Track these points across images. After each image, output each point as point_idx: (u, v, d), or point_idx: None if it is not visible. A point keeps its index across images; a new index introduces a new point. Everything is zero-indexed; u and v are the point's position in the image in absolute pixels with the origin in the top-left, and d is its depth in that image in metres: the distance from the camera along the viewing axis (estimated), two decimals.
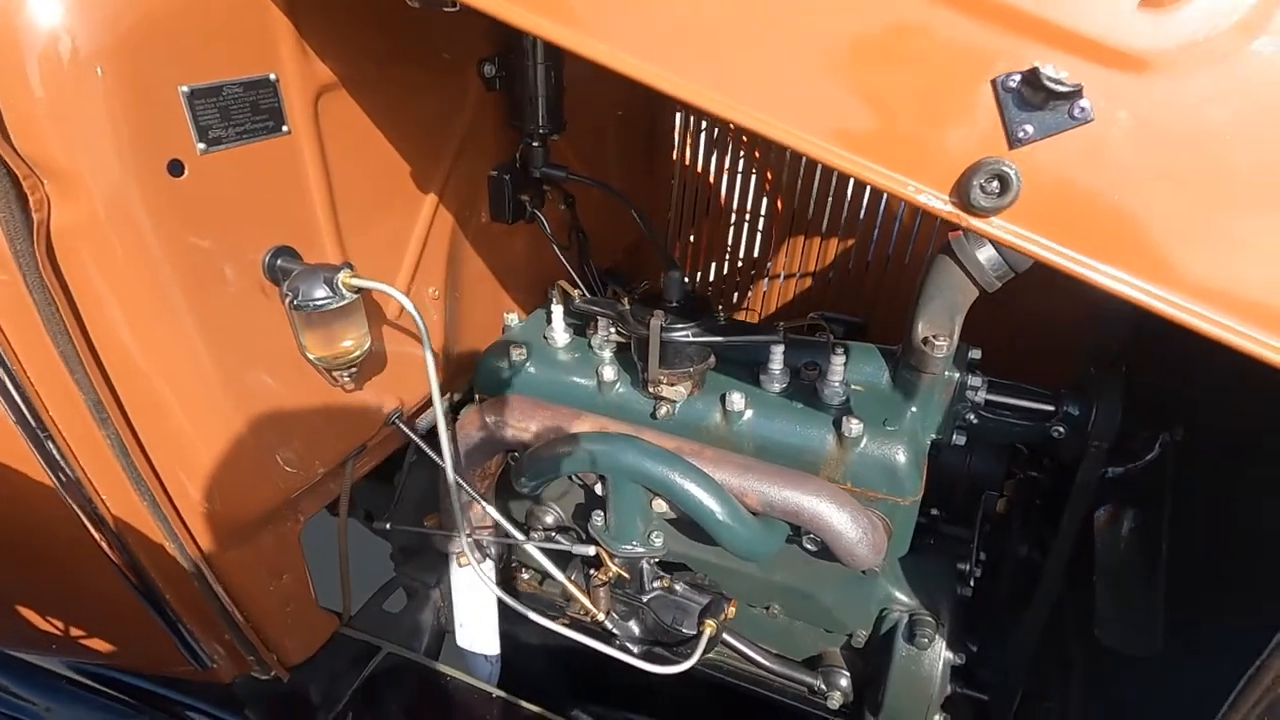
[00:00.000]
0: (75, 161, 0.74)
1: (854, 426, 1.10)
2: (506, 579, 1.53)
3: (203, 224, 0.85)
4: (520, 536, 1.21)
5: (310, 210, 0.98)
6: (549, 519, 1.38)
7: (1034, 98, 0.52)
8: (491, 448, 1.28)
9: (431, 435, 1.34)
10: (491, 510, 1.20)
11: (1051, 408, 1.18)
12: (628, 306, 1.20)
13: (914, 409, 1.16)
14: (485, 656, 1.49)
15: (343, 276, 0.91)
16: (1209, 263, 0.55)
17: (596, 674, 1.57)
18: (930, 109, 0.55)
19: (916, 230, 1.74)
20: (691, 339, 1.12)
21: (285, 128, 0.92)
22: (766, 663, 1.36)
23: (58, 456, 0.90)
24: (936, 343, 1.11)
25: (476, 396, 1.38)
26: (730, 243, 2.07)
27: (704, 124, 1.96)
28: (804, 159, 1.81)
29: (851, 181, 1.79)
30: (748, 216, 2.00)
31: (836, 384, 1.17)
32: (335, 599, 1.41)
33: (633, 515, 1.15)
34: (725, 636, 1.34)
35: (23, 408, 0.86)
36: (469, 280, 1.41)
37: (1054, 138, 0.53)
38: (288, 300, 0.91)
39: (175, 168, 0.80)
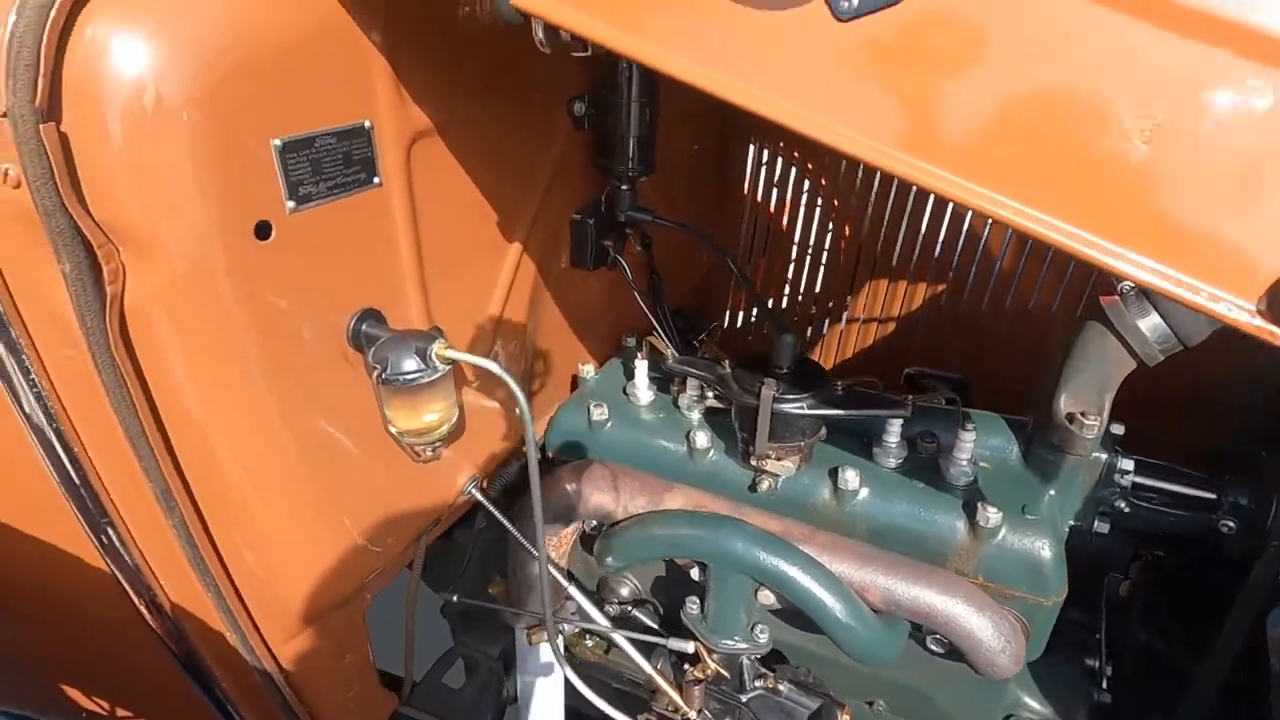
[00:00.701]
0: (155, 225, 0.64)
1: (991, 516, 0.97)
2: (569, 643, 1.42)
3: (285, 290, 0.76)
4: (606, 623, 1.09)
5: (397, 268, 0.89)
6: (624, 590, 1.27)
7: None
8: (570, 517, 1.17)
9: (501, 498, 1.24)
10: (579, 596, 1.08)
11: (1214, 495, 1.04)
12: (729, 369, 1.08)
13: (1053, 494, 1.03)
14: None
15: (436, 349, 0.80)
16: None
17: None
18: (1237, 194, 0.44)
19: (1019, 276, 1.61)
20: (807, 411, 1.01)
21: (377, 179, 0.82)
22: None
23: (116, 544, 0.81)
24: (1086, 421, 0.98)
25: (550, 457, 1.28)
26: (805, 282, 1.95)
27: (777, 158, 1.85)
28: (886, 194, 1.69)
29: (944, 224, 1.66)
30: (825, 255, 1.88)
31: (964, 462, 1.04)
32: (390, 658, 1.30)
33: (736, 608, 1.03)
34: None
35: (82, 492, 0.77)
36: (544, 330, 1.31)
37: None
38: (375, 373, 0.81)
39: (262, 230, 0.71)
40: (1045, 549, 0.97)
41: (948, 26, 0.51)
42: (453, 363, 0.83)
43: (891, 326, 1.82)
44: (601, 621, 1.09)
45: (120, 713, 1.11)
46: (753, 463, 1.07)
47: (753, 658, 1.08)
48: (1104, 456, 1.05)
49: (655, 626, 1.19)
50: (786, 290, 1.97)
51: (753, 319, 2.03)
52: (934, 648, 1.02)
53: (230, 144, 0.66)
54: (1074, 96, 0.53)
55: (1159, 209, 0.50)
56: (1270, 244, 0.44)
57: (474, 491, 1.10)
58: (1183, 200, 0.50)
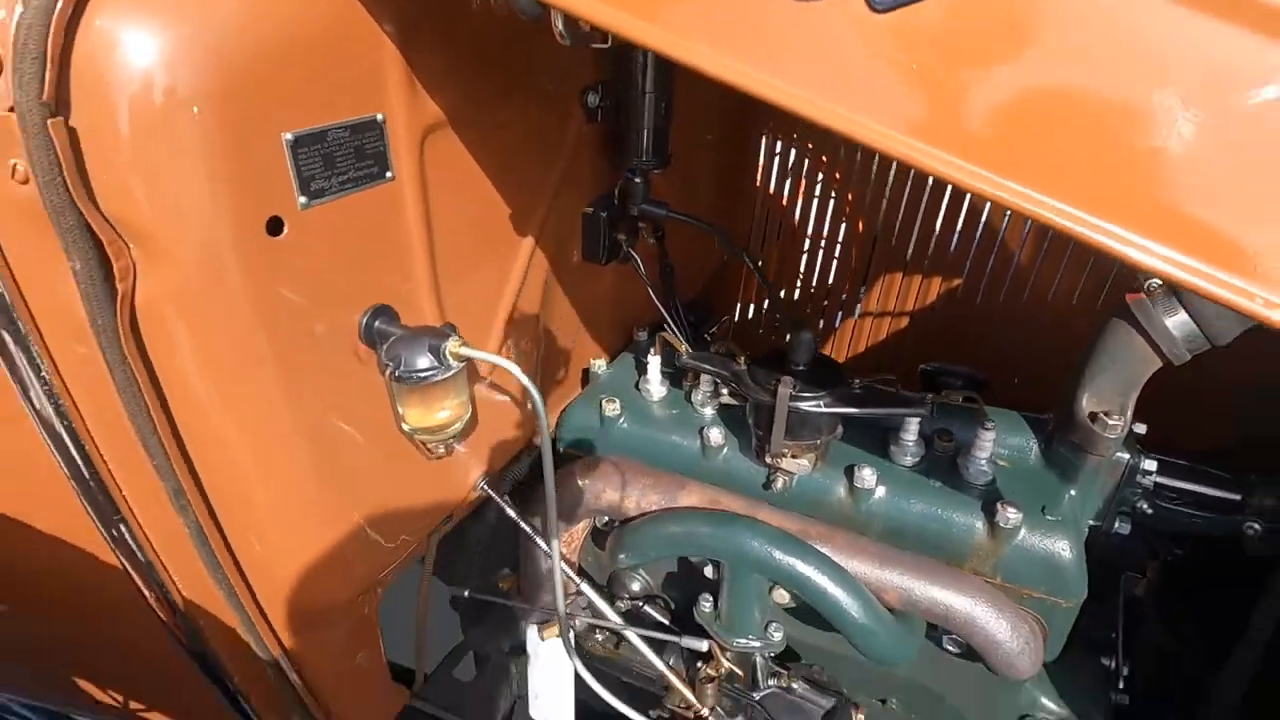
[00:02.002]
0: (165, 221, 0.63)
1: (1011, 516, 0.95)
2: (580, 638, 1.41)
3: (298, 287, 0.75)
4: (618, 620, 1.08)
5: (410, 264, 0.87)
6: (635, 586, 1.26)
7: None
8: (583, 514, 1.16)
9: (513, 493, 1.23)
10: (591, 593, 1.08)
11: (1238, 496, 1.02)
12: (744, 366, 1.07)
13: (1074, 493, 1.01)
14: None
15: (450, 346, 0.79)
16: None
17: None
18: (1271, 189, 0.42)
19: (1037, 270, 1.58)
20: (824, 410, 0.99)
21: (389, 173, 0.81)
22: None
23: (128, 539, 0.81)
24: (1109, 421, 0.96)
25: (561, 452, 1.27)
26: (818, 276, 1.93)
27: (790, 150, 1.82)
28: (902, 188, 1.66)
29: (961, 217, 1.63)
30: (838, 249, 1.85)
31: (983, 461, 1.02)
32: (400, 649, 1.30)
33: (750, 606, 1.02)
34: None
35: (93, 487, 0.76)
36: (555, 324, 1.30)
37: None
38: (388, 370, 0.80)
39: (274, 226, 0.70)
40: (1066, 550, 0.96)
41: (984, 18, 0.49)
42: (466, 360, 0.81)
43: (906, 320, 1.80)
44: (614, 618, 1.08)
45: (134, 705, 1.11)
46: (768, 460, 1.06)
47: (766, 656, 1.07)
48: (1126, 456, 1.03)
49: (666, 623, 1.18)
50: (799, 283, 1.95)
51: (764, 312, 2.02)
52: (950, 648, 1.01)
53: (241, 138, 0.65)
54: (1111, 89, 0.51)
55: (1189, 203, 0.48)
56: None
57: (486, 488, 1.09)
58: (1215, 194, 0.49)
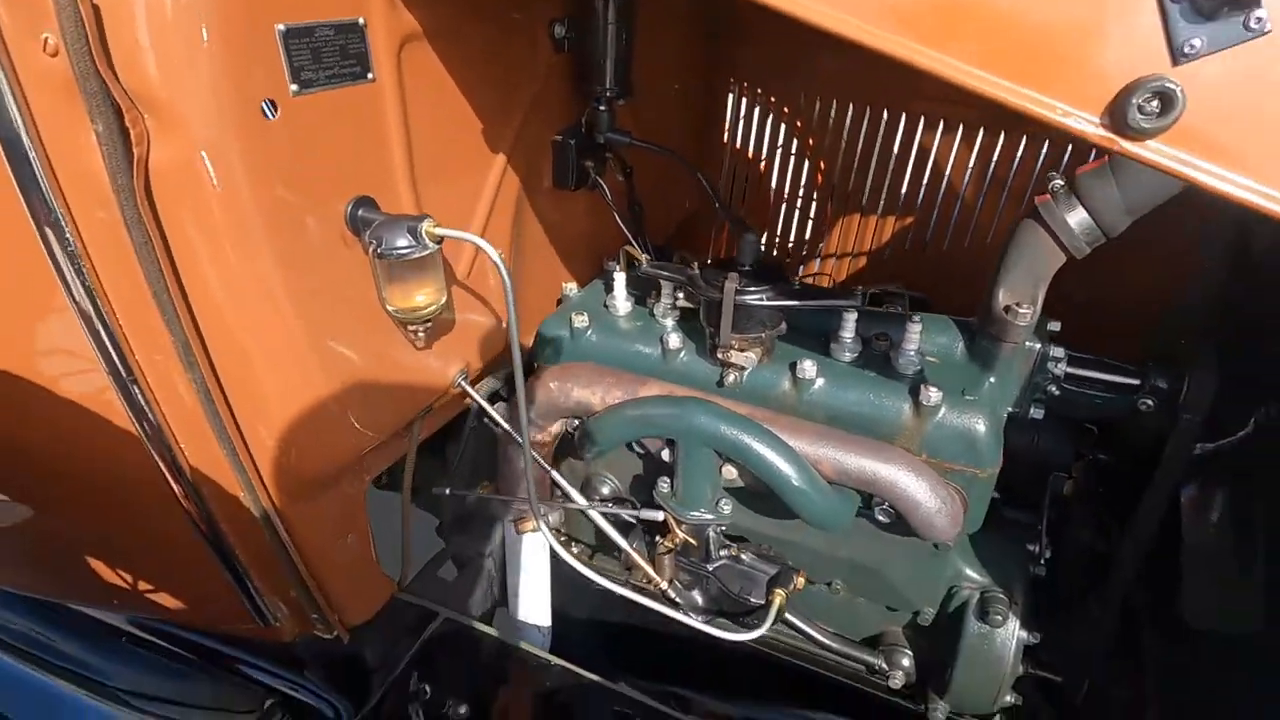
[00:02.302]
0: (174, 94, 0.73)
1: (932, 395, 1.07)
2: (556, 555, 1.52)
3: (290, 170, 0.85)
4: (584, 502, 1.19)
5: (390, 161, 0.98)
6: (605, 489, 1.37)
7: (1205, 7, 0.49)
8: (554, 414, 1.27)
9: (490, 401, 1.33)
10: (556, 475, 1.18)
11: (1137, 381, 1.14)
12: (698, 271, 1.18)
13: (992, 379, 1.13)
14: (538, 627, 1.48)
15: (426, 226, 0.90)
16: None
17: (646, 649, 1.55)
18: (1083, 22, 0.52)
19: (980, 208, 1.70)
20: (766, 303, 1.10)
21: (370, 74, 0.91)
22: (826, 640, 1.33)
23: (142, 402, 0.91)
24: (1019, 310, 1.07)
25: (535, 366, 1.37)
26: (782, 224, 2.04)
27: (755, 104, 1.93)
28: (856, 136, 1.77)
29: (911, 159, 1.75)
30: (800, 196, 1.96)
31: (911, 352, 1.14)
32: (390, 568, 1.41)
33: (702, 481, 1.13)
34: (794, 620, 1.32)
35: (110, 349, 0.86)
36: (529, 247, 1.40)
37: (1224, 52, 0.50)
38: (371, 249, 0.90)
39: (269, 107, 0.80)
40: (981, 425, 1.07)
41: None
42: (441, 240, 0.92)
43: (864, 261, 1.92)
44: (580, 500, 1.19)
45: (142, 586, 1.21)
46: (719, 356, 1.17)
47: (718, 530, 1.18)
48: (1038, 346, 1.15)
49: (632, 516, 1.29)
50: (766, 234, 2.06)
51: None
52: (881, 518, 1.13)
53: (240, 23, 0.74)
54: None
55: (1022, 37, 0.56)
56: (1115, 64, 0.53)
57: (464, 384, 1.19)
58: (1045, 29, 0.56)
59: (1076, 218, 1.03)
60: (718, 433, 1.06)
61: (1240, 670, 0.97)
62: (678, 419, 1.09)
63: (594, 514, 1.19)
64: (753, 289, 1.10)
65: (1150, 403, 1.10)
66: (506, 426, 1.16)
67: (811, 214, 1.98)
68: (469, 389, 1.19)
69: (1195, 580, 1.06)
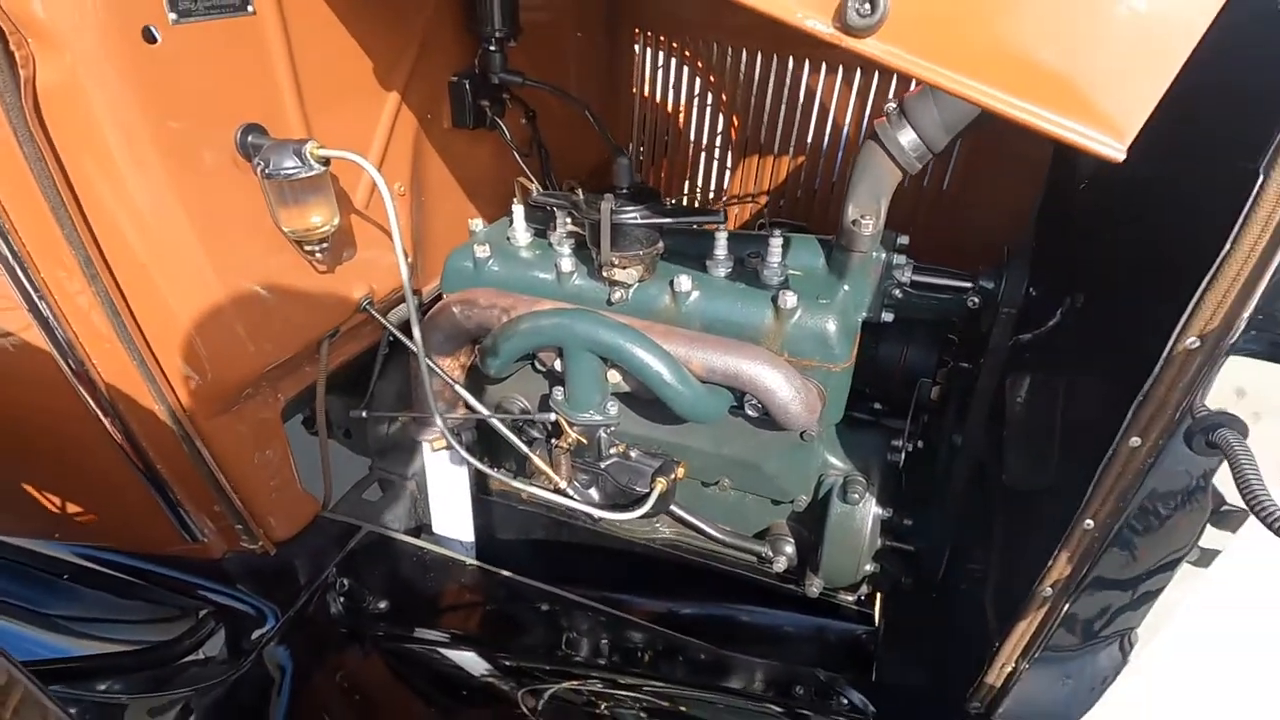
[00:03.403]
0: (54, 17, 0.80)
1: (789, 300, 1.20)
2: (477, 479, 1.64)
3: (176, 96, 0.92)
4: (485, 411, 1.31)
5: (277, 91, 1.05)
6: (516, 409, 1.48)
7: None
8: (459, 336, 1.37)
9: (403, 329, 1.43)
10: (458, 387, 1.29)
11: (969, 284, 1.30)
12: (581, 197, 1.29)
13: (846, 287, 1.27)
14: (461, 542, 1.60)
15: (310, 147, 0.98)
16: (1067, 70, 0.65)
17: (566, 559, 1.69)
18: None
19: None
20: (640, 221, 1.22)
21: (250, 8, 0.98)
22: (719, 535, 1.48)
23: (51, 318, 0.98)
24: (864, 222, 1.21)
25: (444, 296, 1.47)
26: (689, 172, 2.15)
27: (660, 52, 2.02)
28: (765, 82, 1.89)
29: (800, 103, 1.88)
30: (713, 141, 2.08)
31: (775, 265, 1.27)
32: (319, 495, 1.50)
33: (589, 385, 1.26)
34: (682, 514, 1.46)
35: (15, 266, 0.93)
36: (435, 186, 1.49)
37: None
38: (259, 169, 0.98)
39: (148, 34, 0.87)
40: (831, 324, 1.22)
41: None
42: (327, 161, 1.01)
43: (776, 202, 2.05)
44: (481, 410, 1.31)
45: (71, 509, 1.29)
46: (604, 274, 1.28)
47: (608, 431, 1.31)
48: (884, 255, 1.29)
49: (528, 421, 1.39)
50: (688, 183, 2.17)
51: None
52: (750, 412, 1.27)
53: None
54: None
55: None
56: None
57: (369, 308, 1.29)
58: None
59: (906, 137, 1.17)
60: (597, 338, 1.19)
61: (1042, 522, 1.15)
62: (561, 327, 1.20)
63: (494, 421, 1.30)
64: (628, 209, 1.22)
65: (976, 300, 1.26)
66: (406, 340, 1.25)
67: (727, 161, 2.10)
68: (374, 313, 1.28)
69: (1014, 450, 1.23)
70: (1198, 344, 0.77)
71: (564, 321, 1.20)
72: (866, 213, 1.22)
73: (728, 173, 2.08)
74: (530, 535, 1.70)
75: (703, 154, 2.10)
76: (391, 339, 1.39)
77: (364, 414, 1.43)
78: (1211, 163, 0.81)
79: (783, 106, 1.88)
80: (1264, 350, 0.77)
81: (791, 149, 1.93)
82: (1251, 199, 0.68)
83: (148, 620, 1.35)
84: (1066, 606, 1.00)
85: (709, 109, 2.04)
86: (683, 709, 1.15)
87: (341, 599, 1.26)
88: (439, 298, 1.50)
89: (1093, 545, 0.93)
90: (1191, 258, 0.76)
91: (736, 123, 1.99)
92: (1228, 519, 0.91)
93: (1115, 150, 0.64)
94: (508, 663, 1.16)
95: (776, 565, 1.45)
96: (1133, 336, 0.87)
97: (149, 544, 1.36)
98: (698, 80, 2.02)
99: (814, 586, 1.42)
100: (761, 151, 1.98)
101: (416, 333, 1.11)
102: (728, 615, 1.58)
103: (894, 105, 1.19)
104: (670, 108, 2.09)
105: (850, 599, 1.51)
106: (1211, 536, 0.94)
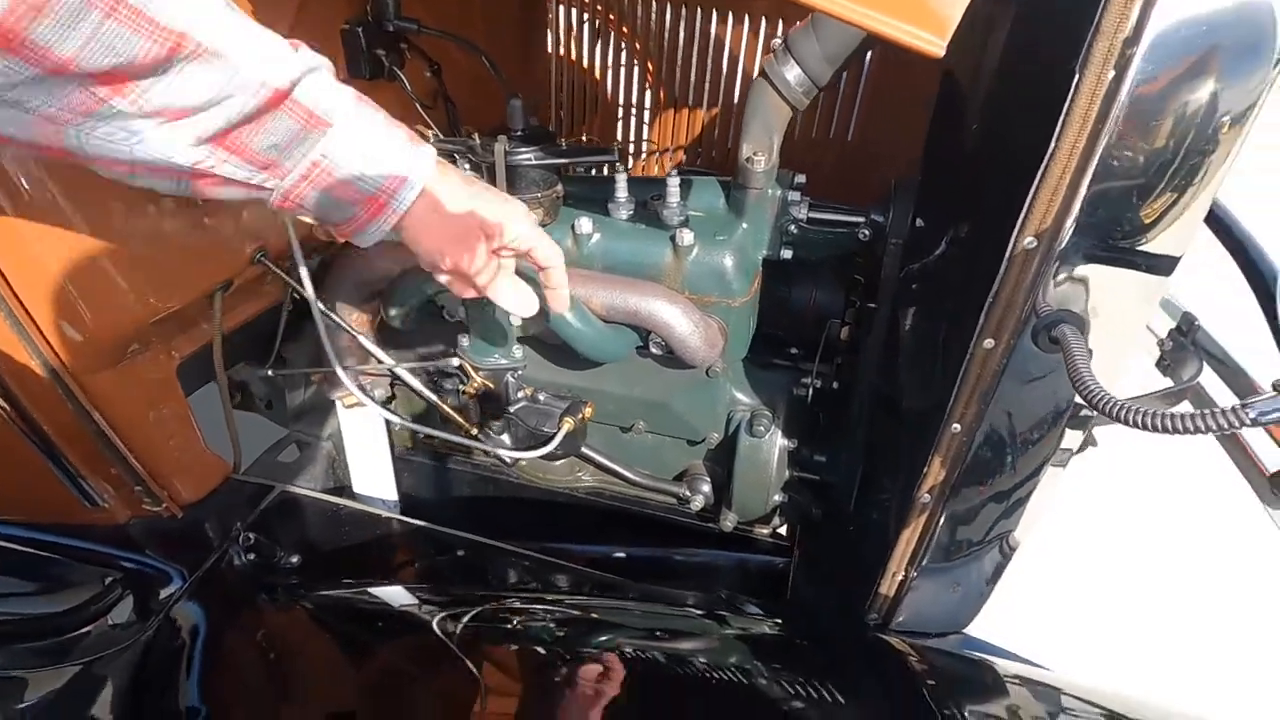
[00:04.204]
0: None
1: (687, 237, 1.23)
2: (400, 436, 1.63)
3: None
4: (390, 360, 1.30)
5: None
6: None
7: None
8: (364, 287, 1.36)
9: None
10: (360, 336, 1.28)
11: (861, 218, 1.34)
12: (478, 140, 1.28)
13: (744, 225, 1.30)
14: (384, 500, 1.60)
15: None
16: None
17: (491, 513, 1.70)
18: None
19: None
20: (535, 162, 1.22)
21: None
22: (638, 479, 1.51)
23: None
24: (756, 159, 1.24)
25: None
26: (613, 130, 2.15)
27: (576, 10, 2.01)
28: (676, 35, 1.89)
29: (710, 56, 1.89)
30: (625, 101, 2.08)
31: (674, 205, 1.29)
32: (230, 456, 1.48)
33: (491, 329, 1.26)
34: (598, 458, 1.49)
35: None
36: None
37: None
38: None
39: None
40: (728, 259, 1.25)
41: None
42: None
43: (681, 155, 2.07)
44: (387, 360, 1.30)
45: None
46: None
47: (515, 375, 1.32)
48: (780, 193, 1.32)
49: (432, 367, 1.39)
50: (615, 140, 2.17)
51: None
52: (655, 350, 1.29)
53: None
54: None
55: None
56: None
57: (264, 259, 1.26)
58: None
59: (792, 72, 1.19)
60: None
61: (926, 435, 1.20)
62: None
63: (400, 371, 1.30)
64: (522, 150, 1.22)
65: (866, 233, 1.30)
66: (299, 288, 1.23)
67: (646, 118, 2.11)
68: (268, 263, 1.26)
69: (906, 376, 1.28)
70: (1035, 244, 0.81)
71: None
72: (759, 149, 1.25)
73: (649, 129, 2.09)
74: (456, 491, 1.70)
75: (620, 110, 2.10)
76: (296, 296, 1.37)
77: (269, 373, 1.41)
78: (1048, 66, 0.85)
79: (694, 58, 1.89)
80: (1098, 248, 0.82)
81: (705, 101, 1.95)
82: (1069, 99, 0.73)
83: (49, 591, 1.32)
84: (944, 511, 1.05)
85: (623, 66, 2.03)
86: (595, 616, 1.18)
87: (251, 555, 1.25)
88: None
89: (961, 449, 0.99)
90: (1029, 161, 0.80)
91: (650, 78, 2.00)
92: (1078, 418, 0.97)
93: (935, 45, 0.67)
94: (425, 597, 1.17)
95: (694, 504, 1.49)
96: (986, 241, 0.91)
97: (50, 513, 1.32)
98: (613, 36, 2.01)
99: (728, 521, 1.47)
100: (677, 105, 1.99)
101: (306, 281, 1.10)
102: (652, 557, 1.62)
103: (780, 41, 1.22)
104: (588, 66, 2.08)
105: (765, 531, 1.56)
106: (1069, 436, 1.01)
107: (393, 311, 1.28)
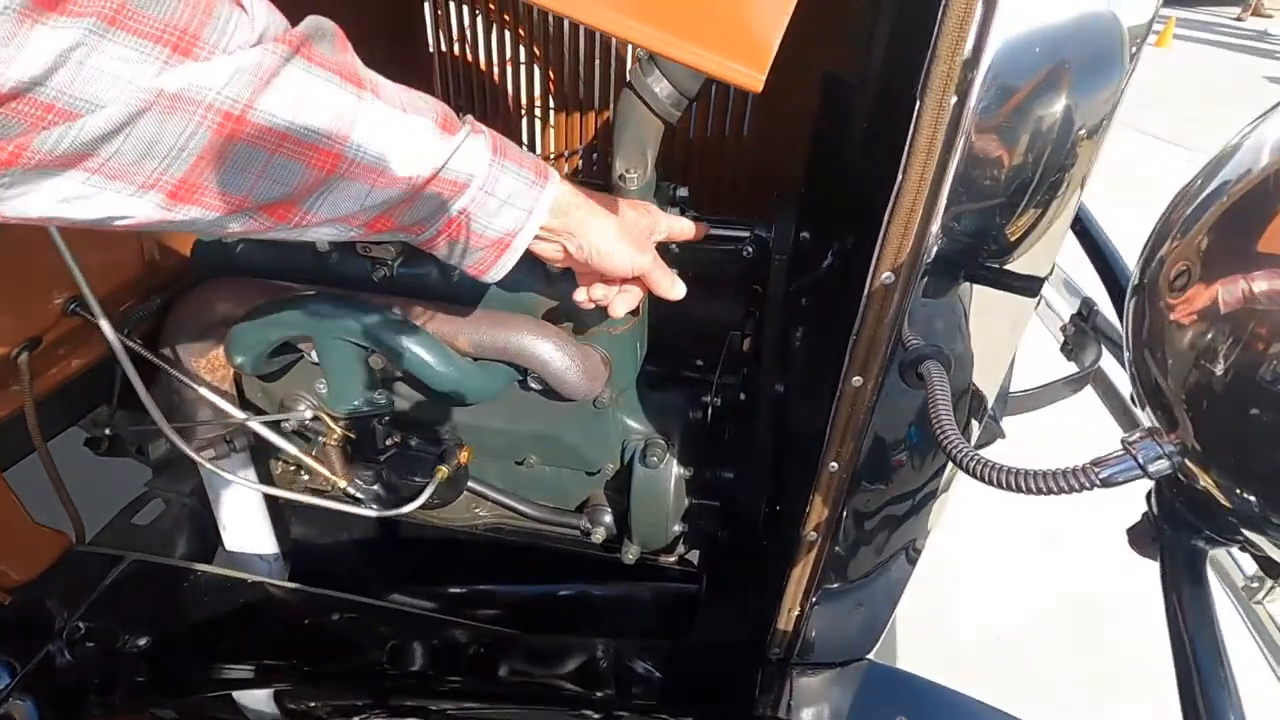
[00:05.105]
0: None
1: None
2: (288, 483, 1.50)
3: None
4: (242, 415, 1.18)
5: None
6: (301, 406, 1.35)
7: None
8: (206, 333, 1.22)
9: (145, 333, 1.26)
10: (200, 388, 1.15)
11: (746, 233, 1.27)
12: None
13: None
14: (260, 557, 1.47)
15: None
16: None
17: (386, 559, 1.59)
18: None
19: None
20: None
21: None
22: (534, 513, 1.43)
23: None
24: (630, 176, 1.16)
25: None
26: (525, 127, 2.03)
27: (458, 9, 1.88)
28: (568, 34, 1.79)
29: (595, 59, 1.80)
30: (516, 106, 1.96)
31: None
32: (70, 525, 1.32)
33: (347, 373, 1.15)
34: (491, 494, 1.40)
35: None
36: None
37: None
38: None
39: None
40: None
41: None
42: None
43: (578, 160, 1.97)
44: (238, 415, 1.17)
45: None
46: (360, 251, 1.17)
47: (383, 422, 1.22)
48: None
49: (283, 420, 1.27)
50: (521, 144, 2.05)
51: None
52: (533, 385, 1.21)
53: None
54: None
55: None
56: None
57: (80, 310, 1.12)
58: None
59: (659, 84, 1.11)
60: (338, 322, 1.08)
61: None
62: (296, 315, 1.08)
63: (252, 423, 1.18)
64: None
65: (750, 249, 1.24)
66: (114, 341, 1.09)
67: (550, 121, 1.99)
68: (87, 315, 1.11)
69: (790, 399, 1.23)
70: (892, 279, 0.76)
71: (298, 309, 1.09)
72: (633, 165, 1.16)
73: (542, 134, 1.98)
74: (349, 535, 1.59)
75: (510, 114, 1.99)
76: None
77: (106, 432, 1.26)
78: (896, 93, 0.80)
79: (579, 61, 1.79)
80: (961, 276, 0.77)
81: (597, 104, 1.85)
82: (913, 126, 0.67)
83: None
84: (831, 548, 1.01)
85: (509, 65, 1.92)
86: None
87: (90, 644, 1.11)
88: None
89: (841, 485, 0.94)
90: (884, 190, 0.74)
91: (540, 81, 1.89)
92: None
93: (753, 78, 0.60)
94: (285, 687, 1.06)
95: (595, 536, 1.42)
96: (853, 271, 0.86)
97: None
98: (503, 33, 1.89)
99: (629, 554, 1.40)
100: (569, 109, 1.89)
101: (109, 331, 0.96)
102: (558, 594, 1.55)
103: (643, 53, 1.14)
104: (479, 67, 1.95)
105: (672, 559, 1.50)
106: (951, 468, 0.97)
107: (238, 359, 1.16)
